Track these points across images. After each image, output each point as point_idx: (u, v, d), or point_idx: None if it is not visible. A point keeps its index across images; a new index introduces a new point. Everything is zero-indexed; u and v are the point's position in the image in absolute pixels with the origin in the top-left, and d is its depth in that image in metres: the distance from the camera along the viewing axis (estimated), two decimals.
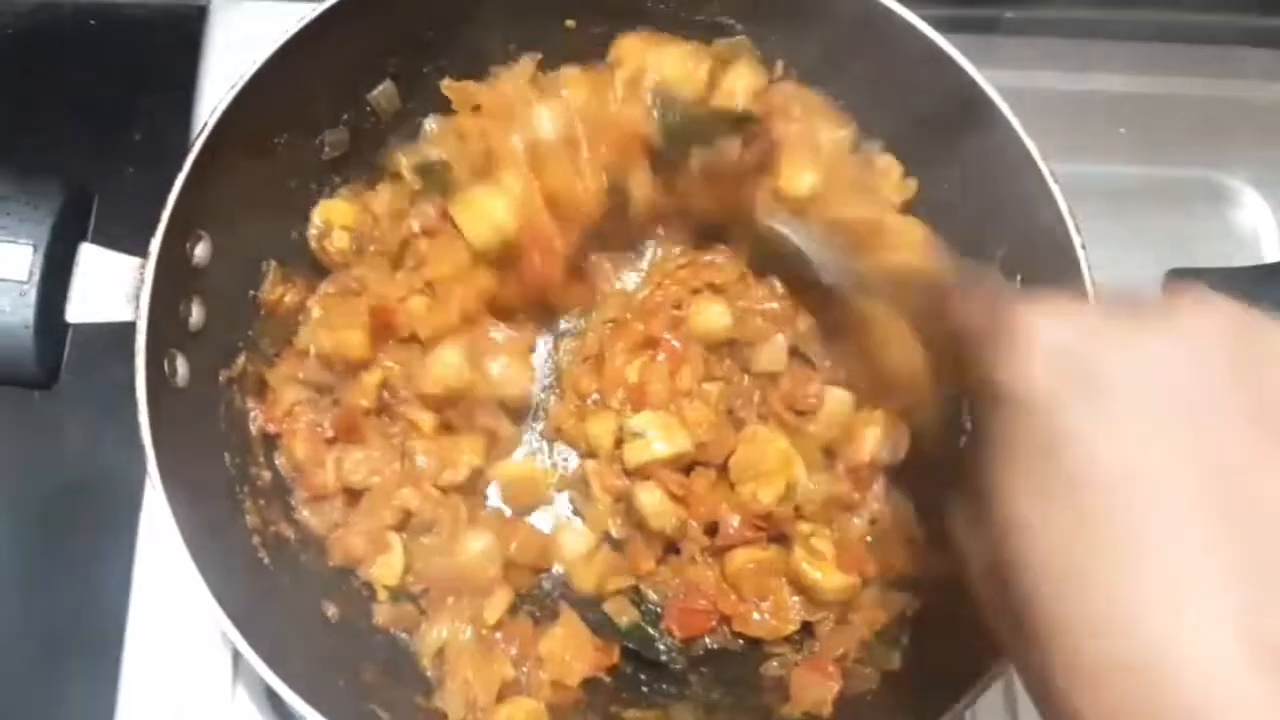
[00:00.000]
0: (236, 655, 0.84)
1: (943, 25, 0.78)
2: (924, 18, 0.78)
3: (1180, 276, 0.80)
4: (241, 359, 0.83)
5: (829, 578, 0.81)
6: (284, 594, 0.80)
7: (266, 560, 0.80)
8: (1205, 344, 0.42)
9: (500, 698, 0.80)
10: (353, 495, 0.85)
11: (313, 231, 0.87)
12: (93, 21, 1.08)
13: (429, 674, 0.82)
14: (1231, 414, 0.40)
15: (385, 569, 0.83)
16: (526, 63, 0.88)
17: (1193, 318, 0.43)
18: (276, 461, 0.84)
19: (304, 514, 0.84)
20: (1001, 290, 0.51)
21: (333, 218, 0.88)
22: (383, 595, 0.83)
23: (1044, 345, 0.43)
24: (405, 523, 0.85)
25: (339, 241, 0.87)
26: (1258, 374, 0.41)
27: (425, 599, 0.84)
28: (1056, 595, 0.40)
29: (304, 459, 0.84)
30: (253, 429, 0.83)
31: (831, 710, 0.80)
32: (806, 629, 0.84)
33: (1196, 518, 0.38)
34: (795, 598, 0.84)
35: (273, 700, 0.84)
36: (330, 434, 0.85)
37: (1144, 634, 0.37)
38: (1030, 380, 0.43)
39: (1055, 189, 0.75)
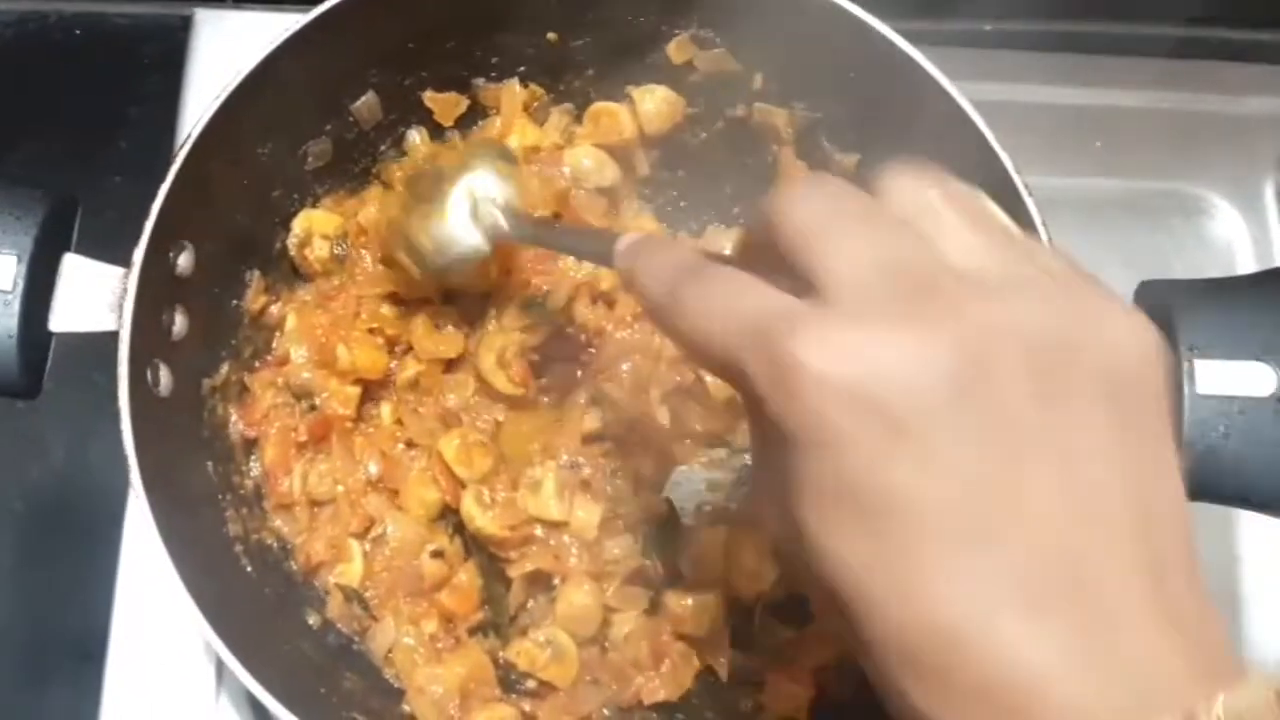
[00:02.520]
0: (220, 664, 0.84)
1: (921, 39, 0.79)
2: (901, 31, 0.79)
3: (1152, 289, 0.81)
4: (225, 368, 0.83)
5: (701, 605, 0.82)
6: (266, 602, 0.81)
7: (249, 569, 0.81)
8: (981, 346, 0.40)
9: (476, 704, 0.80)
10: (318, 503, 0.85)
11: (293, 240, 0.88)
12: (78, 31, 1.08)
13: (387, 677, 0.83)
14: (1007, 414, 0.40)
15: (345, 575, 0.84)
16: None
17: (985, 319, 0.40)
18: (257, 469, 0.85)
19: (276, 522, 0.85)
20: (750, 311, 0.43)
21: (313, 226, 0.88)
22: (335, 596, 0.84)
23: (826, 387, 0.39)
24: (368, 530, 0.85)
25: (319, 250, 0.88)
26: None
27: (375, 600, 0.84)
28: (864, 602, 0.40)
29: (272, 463, 0.84)
30: (234, 437, 0.84)
31: (807, 716, 0.80)
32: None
33: (965, 527, 0.39)
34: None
35: (255, 708, 0.84)
36: (303, 438, 0.85)
37: (941, 622, 0.39)
38: (817, 422, 0.40)
39: (1029, 202, 0.76)
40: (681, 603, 0.82)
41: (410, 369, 0.88)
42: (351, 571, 0.84)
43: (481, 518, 0.83)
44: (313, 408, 0.86)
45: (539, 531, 0.85)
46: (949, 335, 0.40)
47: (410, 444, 0.87)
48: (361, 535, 0.85)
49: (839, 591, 0.41)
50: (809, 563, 0.42)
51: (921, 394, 0.39)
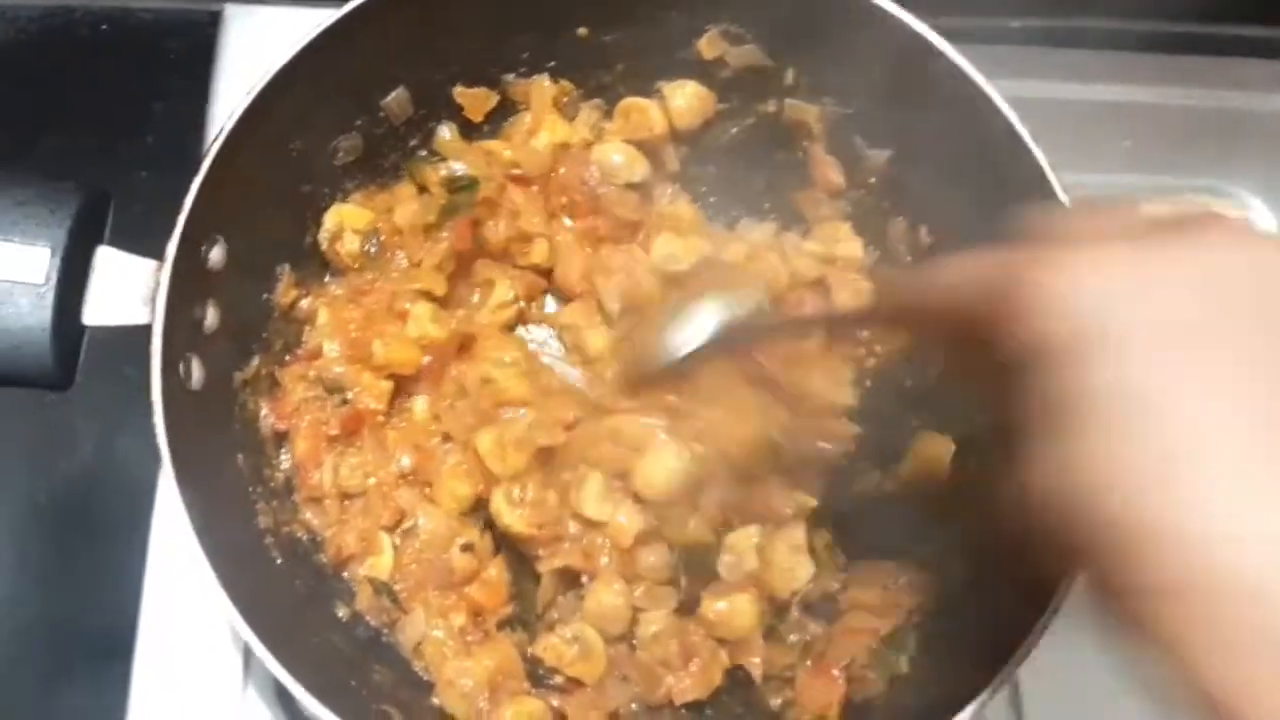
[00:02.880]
0: (248, 655, 0.85)
1: (950, 36, 0.79)
2: (932, 27, 0.78)
3: None
4: (255, 361, 0.84)
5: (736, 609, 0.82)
6: (297, 594, 0.81)
7: (280, 561, 0.81)
8: (1229, 284, 0.43)
9: (504, 697, 0.80)
10: (349, 496, 0.85)
11: (324, 234, 0.88)
12: (105, 26, 1.08)
13: (416, 670, 0.83)
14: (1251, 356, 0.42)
15: (375, 568, 0.84)
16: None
17: (1217, 254, 0.44)
18: (287, 462, 0.85)
19: (306, 514, 0.85)
20: (993, 259, 0.49)
21: (345, 221, 0.88)
22: (365, 588, 0.84)
23: (1060, 303, 0.44)
24: (398, 523, 0.85)
25: (350, 244, 0.88)
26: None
27: (405, 593, 0.84)
28: (1140, 530, 0.41)
29: (303, 456, 0.84)
30: (265, 430, 0.84)
31: (838, 714, 0.80)
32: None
33: (1242, 428, 0.40)
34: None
35: (283, 700, 0.85)
36: (335, 431, 0.85)
37: (1242, 575, 0.39)
38: (1054, 336, 0.44)
39: (1064, 198, 0.75)
40: (715, 606, 0.82)
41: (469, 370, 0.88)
42: (381, 564, 0.84)
43: (510, 514, 0.83)
44: (344, 401, 0.86)
45: (572, 529, 0.84)
46: (1191, 265, 0.43)
47: (446, 438, 0.87)
48: (392, 528, 0.85)
49: (1117, 527, 0.42)
50: (1078, 505, 0.43)
51: (1178, 306, 0.42)
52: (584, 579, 0.85)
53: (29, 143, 1.02)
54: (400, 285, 0.87)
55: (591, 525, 0.84)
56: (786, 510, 0.85)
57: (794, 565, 0.84)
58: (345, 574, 0.84)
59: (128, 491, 0.88)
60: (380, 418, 0.86)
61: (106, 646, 0.85)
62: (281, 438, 0.85)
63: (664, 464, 0.83)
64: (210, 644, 0.85)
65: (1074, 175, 0.77)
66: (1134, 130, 1.06)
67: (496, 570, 0.85)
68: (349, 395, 0.86)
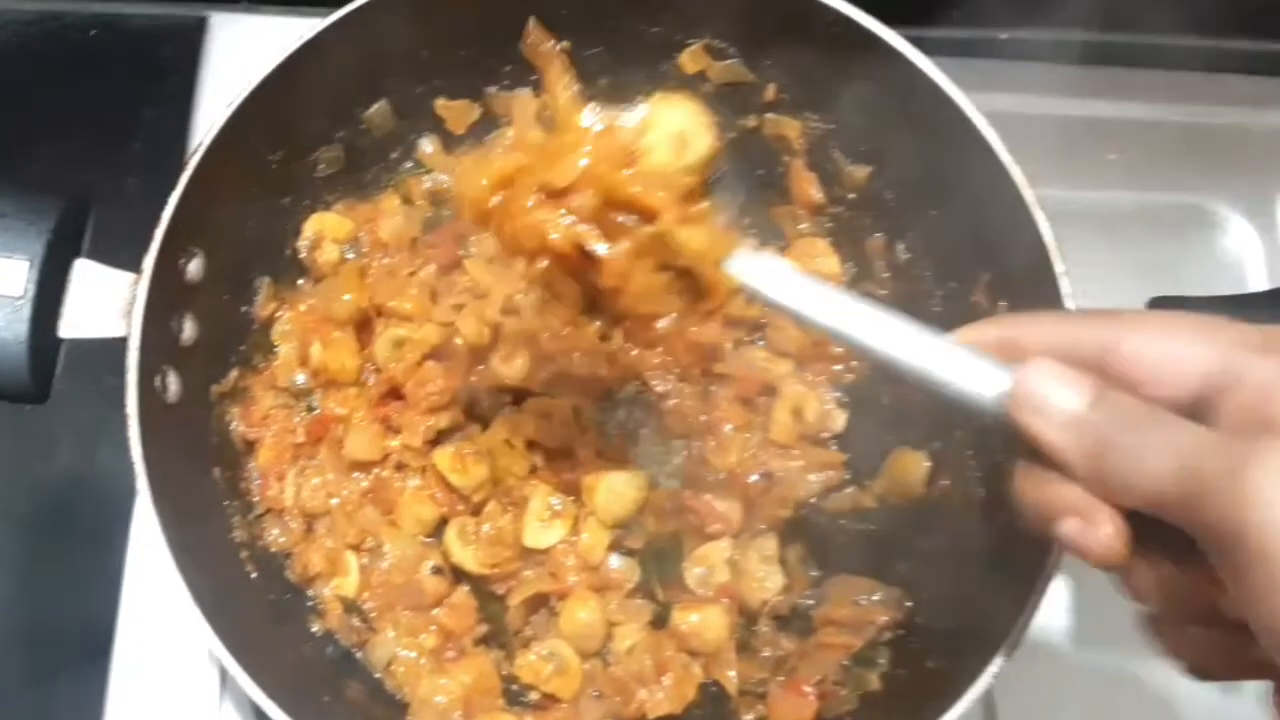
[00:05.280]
0: (224, 669, 0.85)
1: (937, 48, 0.78)
2: (916, 41, 0.78)
3: (1165, 305, 0.80)
4: (233, 374, 0.84)
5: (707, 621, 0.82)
6: (270, 609, 0.81)
7: (254, 575, 0.81)
8: None
9: (479, 715, 0.80)
10: (313, 516, 0.85)
11: (303, 242, 0.88)
12: (93, 32, 1.08)
13: (388, 687, 0.82)
14: None
15: (342, 589, 0.84)
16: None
17: None
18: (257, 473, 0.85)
19: (274, 531, 0.84)
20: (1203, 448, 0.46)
21: (325, 230, 0.89)
22: (334, 607, 0.83)
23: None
24: (363, 542, 0.85)
25: (329, 254, 0.88)
26: None
27: (375, 612, 0.84)
28: None
29: (265, 465, 0.84)
30: (238, 441, 0.84)
31: None
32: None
33: None
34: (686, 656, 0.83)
35: (259, 714, 0.84)
36: (300, 439, 0.85)
37: None
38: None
39: (1039, 215, 0.75)
40: (687, 619, 0.82)
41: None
42: (348, 585, 0.83)
43: (461, 552, 0.83)
44: (310, 409, 0.87)
45: (528, 570, 0.84)
46: None
47: (400, 466, 0.87)
48: (358, 547, 0.85)
49: None
50: None
51: None
52: (554, 601, 0.85)
53: (15, 149, 1.02)
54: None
55: (547, 552, 0.84)
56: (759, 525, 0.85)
57: (765, 575, 0.84)
58: (312, 592, 0.84)
59: (106, 501, 0.88)
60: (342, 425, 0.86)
61: (83, 658, 0.85)
62: (252, 448, 0.85)
63: (622, 495, 0.84)
64: (187, 655, 0.85)
65: (1056, 191, 0.77)
66: (1120, 146, 1.06)
67: (462, 596, 0.84)
68: (314, 402, 0.87)
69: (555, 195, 0.61)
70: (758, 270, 0.61)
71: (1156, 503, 0.46)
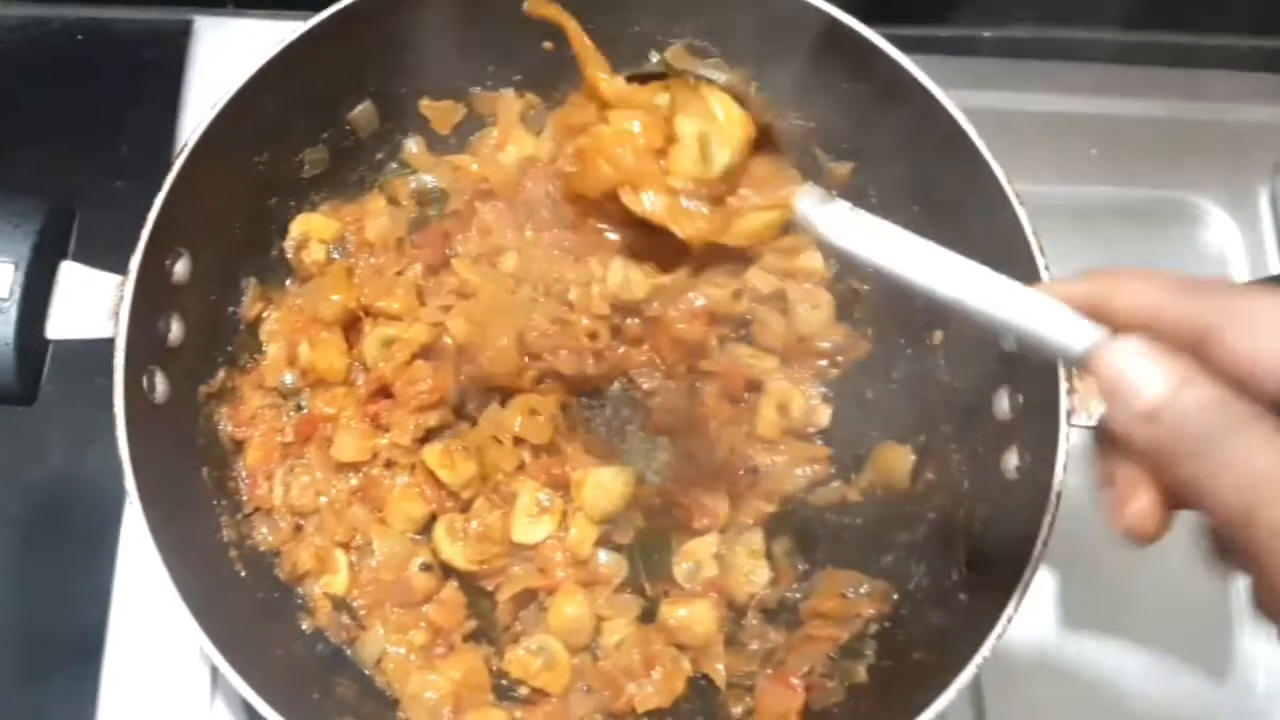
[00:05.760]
0: (214, 667, 0.85)
1: (919, 46, 0.79)
2: (899, 39, 0.79)
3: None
4: (221, 374, 0.84)
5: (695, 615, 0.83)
6: (260, 607, 0.81)
7: (243, 574, 0.81)
8: None
9: (468, 710, 0.81)
10: (302, 514, 0.86)
11: (290, 242, 0.89)
12: (80, 36, 1.09)
13: (377, 684, 0.83)
14: None
15: (331, 586, 0.84)
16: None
17: None
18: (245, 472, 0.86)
19: (262, 529, 0.84)
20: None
21: (311, 230, 0.89)
22: (323, 605, 0.84)
23: None
24: (352, 539, 0.85)
25: (315, 254, 0.89)
26: None
27: (364, 610, 0.84)
28: None
29: (253, 465, 0.85)
30: (226, 440, 0.85)
31: None
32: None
33: None
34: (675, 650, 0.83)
35: (250, 712, 0.85)
36: (289, 439, 0.86)
37: None
38: None
39: (1020, 210, 0.76)
40: (675, 614, 0.83)
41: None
42: (337, 583, 0.84)
43: (450, 549, 0.84)
44: (299, 408, 0.87)
45: (516, 566, 0.85)
46: None
47: (389, 464, 0.87)
48: (347, 545, 0.85)
49: None
50: None
51: None
52: (543, 596, 0.85)
53: (2, 153, 1.03)
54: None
55: (536, 547, 0.85)
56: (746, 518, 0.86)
57: (752, 569, 0.85)
58: (301, 590, 0.84)
59: (96, 501, 0.88)
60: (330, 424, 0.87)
61: (74, 658, 0.86)
62: (241, 448, 0.85)
63: (609, 491, 0.85)
64: (178, 654, 0.85)
65: (1038, 186, 0.78)
66: (1100, 141, 1.07)
67: (451, 592, 0.84)
68: (302, 401, 0.87)
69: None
70: (829, 218, 0.59)
71: (1218, 521, 0.45)
